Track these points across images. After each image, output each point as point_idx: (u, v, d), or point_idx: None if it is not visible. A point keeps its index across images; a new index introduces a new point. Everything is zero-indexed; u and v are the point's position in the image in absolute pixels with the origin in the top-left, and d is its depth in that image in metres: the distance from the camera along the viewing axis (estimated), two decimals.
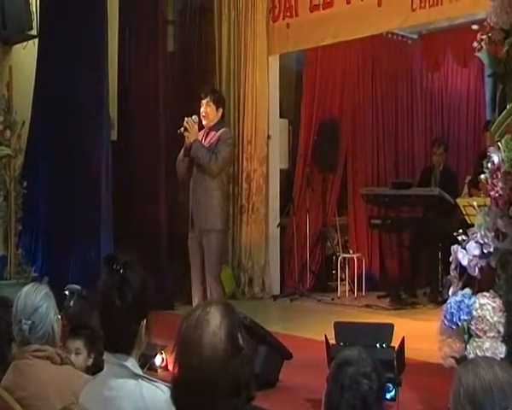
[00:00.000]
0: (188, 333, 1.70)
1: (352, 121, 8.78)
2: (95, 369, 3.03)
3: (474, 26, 3.50)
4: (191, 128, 5.43)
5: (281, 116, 8.46)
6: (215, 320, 1.69)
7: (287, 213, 8.26)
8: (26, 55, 7.31)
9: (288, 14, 7.99)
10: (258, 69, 8.10)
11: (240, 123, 8.12)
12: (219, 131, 5.55)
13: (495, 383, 1.54)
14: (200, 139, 5.52)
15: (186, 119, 5.47)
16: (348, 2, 7.29)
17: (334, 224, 8.70)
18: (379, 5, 6.93)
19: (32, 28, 7.09)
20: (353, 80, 8.80)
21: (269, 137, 8.22)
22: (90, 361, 3.43)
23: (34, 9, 7.16)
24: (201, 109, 5.57)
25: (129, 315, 2.11)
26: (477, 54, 3.49)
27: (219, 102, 5.67)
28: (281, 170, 8.45)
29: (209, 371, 1.64)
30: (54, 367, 2.48)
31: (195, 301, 5.49)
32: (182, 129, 5.46)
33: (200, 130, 5.58)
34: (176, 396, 1.72)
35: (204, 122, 5.56)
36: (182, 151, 5.56)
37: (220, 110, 5.62)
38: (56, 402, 2.36)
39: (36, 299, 2.55)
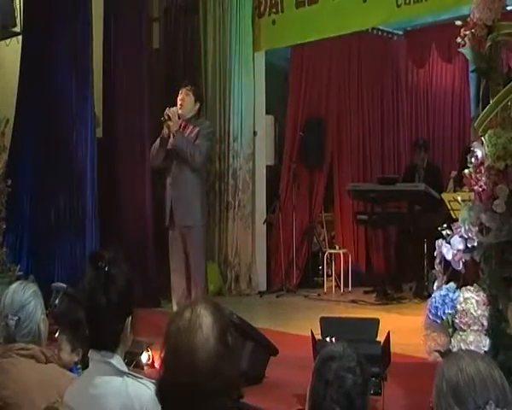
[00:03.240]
0: (179, 337, 1.67)
1: (338, 117, 8.80)
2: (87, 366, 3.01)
3: (458, 22, 3.52)
4: (173, 118, 5.36)
5: (267, 113, 8.46)
6: (207, 324, 1.67)
7: (273, 209, 8.27)
8: (10, 52, 7.25)
9: (274, 10, 8.00)
10: (244, 66, 8.09)
11: (226, 120, 8.11)
12: (198, 126, 5.47)
13: (477, 376, 1.56)
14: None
15: (168, 109, 5.42)
16: None
17: (321, 220, 8.72)
18: (364, 1, 6.95)
19: (15, 25, 7.03)
20: (339, 76, 8.82)
21: (255, 133, 8.22)
22: (77, 358, 3.39)
23: (18, 6, 7.10)
24: (179, 97, 5.46)
25: (114, 313, 2.11)
26: (461, 50, 3.50)
27: (198, 95, 5.60)
28: (267, 167, 8.46)
29: (201, 374, 1.63)
30: (38, 366, 2.47)
31: (175, 300, 5.41)
32: (165, 116, 5.38)
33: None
34: (163, 396, 1.72)
35: (180, 111, 5.42)
36: (158, 141, 5.47)
37: (198, 104, 5.53)
38: (41, 401, 2.35)
39: (24, 296, 2.55)
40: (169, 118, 5.36)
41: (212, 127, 5.75)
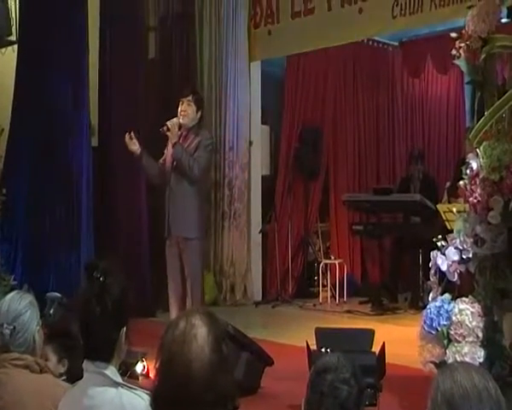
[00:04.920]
0: (174, 347, 1.67)
1: (333, 128, 8.82)
2: (70, 377, 2.98)
3: (453, 34, 3.54)
4: (173, 129, 5.35)
5: (262, 123, 8.48)
6: (202, 334, 1.66)
7: (269, 219, 8.27)
8: (5, 61, 7.25)
9: (270, 20, 8.03)
10: (240, 76, 8.11)
11: (222, 129, 8.12)
12: (199, 136, 5.42)
13: (472, 389, 1.56)
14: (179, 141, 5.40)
15: (168, 121, 5.41)
16: (329, 9, 7.34)
17: (316, 230, 8.72)
18: (360, 12, 6.98)
19: (11, 34, 7.03)
20: (335, 87, 8.84)
21: (251, 143, 8.24)
22: (63, 369, 3.33)
23: (14, 15, 7.11)
24: (181, 108, 5.40)
25: (109, 323, 2.10)
26: (455, 61, 3.52)
27: (200, 103, 5.52)
28: (263, 176, 8.46)
29: (196, 385, 1.62)
30: (32, 376, 2.46)
31: (173, 311, 5.37)
32: (165, 128, 5.34)
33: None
34: (158, 407, 1.70)
35: (182, 121, 5.37)
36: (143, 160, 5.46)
37: (200, 113, 5.46)
38: None
39: (20, 306, 2.54)
40: (168, 129, 5.34)
41: (212, 139, 5.69)
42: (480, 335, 3.03)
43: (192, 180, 5.32)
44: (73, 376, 2.64)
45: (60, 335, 3.44)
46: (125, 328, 2.14)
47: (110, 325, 2.10)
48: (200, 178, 5.42)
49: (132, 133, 5.40)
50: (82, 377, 2.16)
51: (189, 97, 5.43)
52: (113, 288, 2.11)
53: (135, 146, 5.38)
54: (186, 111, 5.39)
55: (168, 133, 5.34)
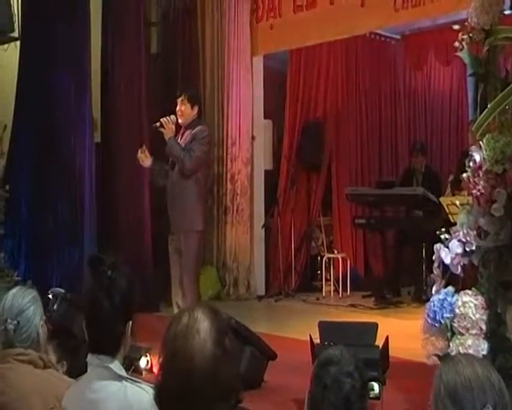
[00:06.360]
0: (177, 342, 1.67)
1: (336, 121, 8.80)
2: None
3: (455, 26, 3.52)
4: (167, 125, 5.37)
5: (265, 117, 8.47)
6: (204, 328, 1.66)
7: (271, 213, 8.27)
8: (8, 57, 7.25)
9: (272, 14, 8.01)
10: (242, 70, 8.11)
11: (224, 124, 8.12)
12: (195, 130, 5.44)
13: (475, 380, 1.56)
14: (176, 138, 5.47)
15: (163, 118, 5.46)
16: (331, 3, 7.33)
17: (319, 224, 8.72)
18: (362, 6, 6.96)
19: (13, 30, 7.03)
20: (337, 81, 8.83)
21: (253, 138, 8.23)
22: (61, 371, 3.28)
23: (16, 11, 7.11)
24: (177, 108, 5.47)
25: (116, 317, 2.11)
26: (458, 54, 3.50)
27: (194, 99, 5.54)
28: (265, 171, 8.46)
29: (199, 379, 1.63)
30: (36, 371, 2.46)
31: (176, 303, 5.43)
32: (157, 123, 5.40)
33: (179, 131, 5.51)
34: (161, 401, 1.71)
35: (180, 121, 5.45)
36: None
37: (196, 108, 5.49)
38: (39, 407, 2.34)
39: (23, 301, 2.54)
40: (161, 125, 5.38)
41: (206, 131, 5.69)
42: (484, 327, 3.03)
43: (184, 173, 5.35)
44: (72, 377, 2.64)
45: (61, 333, 3.43)
46: (130, 322, 2.15)
47: (118, 319, 2.11)
48: (194, 170, 5.40)
49: (144, 147, 5.52)
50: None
51: (182, 96, 5.48)
52: (120, 281, 2.13)
53: (148, 161, 5.50)
54: (181, 110, 5.45)
55: (161, 129, 5.39)
